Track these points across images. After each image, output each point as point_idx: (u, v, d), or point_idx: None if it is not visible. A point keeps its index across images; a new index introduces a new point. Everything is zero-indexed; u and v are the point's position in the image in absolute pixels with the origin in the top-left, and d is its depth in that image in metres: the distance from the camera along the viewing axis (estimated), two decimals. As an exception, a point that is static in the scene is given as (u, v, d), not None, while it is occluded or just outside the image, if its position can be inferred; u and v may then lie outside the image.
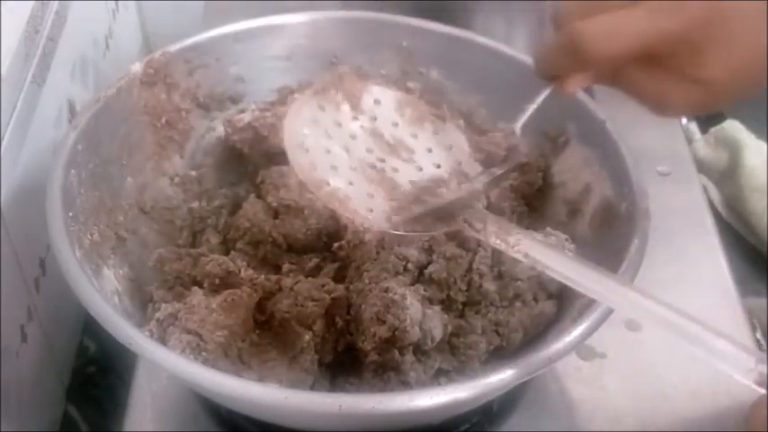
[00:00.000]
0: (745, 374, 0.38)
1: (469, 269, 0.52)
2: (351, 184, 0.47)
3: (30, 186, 0.56)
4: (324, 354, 0.50)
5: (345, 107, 0.50)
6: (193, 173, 0.60)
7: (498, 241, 0.46)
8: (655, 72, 0.43)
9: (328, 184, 0.47)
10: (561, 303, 0.52)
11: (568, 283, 0.44)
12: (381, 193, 0.48)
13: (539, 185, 0.58)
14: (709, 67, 0.42)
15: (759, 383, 0.38)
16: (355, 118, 0.50)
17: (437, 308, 0.51)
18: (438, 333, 0.50)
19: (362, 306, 0.50)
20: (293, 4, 0.63)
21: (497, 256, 0.54)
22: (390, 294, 0.49)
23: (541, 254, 0.45)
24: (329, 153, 0.48)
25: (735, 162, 0.77)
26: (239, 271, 0.51)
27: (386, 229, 0.47)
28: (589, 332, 0.44)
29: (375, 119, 0.51)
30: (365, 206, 0.47)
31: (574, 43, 0.42)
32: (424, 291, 0.52)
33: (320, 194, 0.47)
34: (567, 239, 0.53)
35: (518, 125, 0.51)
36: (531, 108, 0.50)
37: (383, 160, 0.49)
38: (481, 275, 0.52)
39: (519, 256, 0.45)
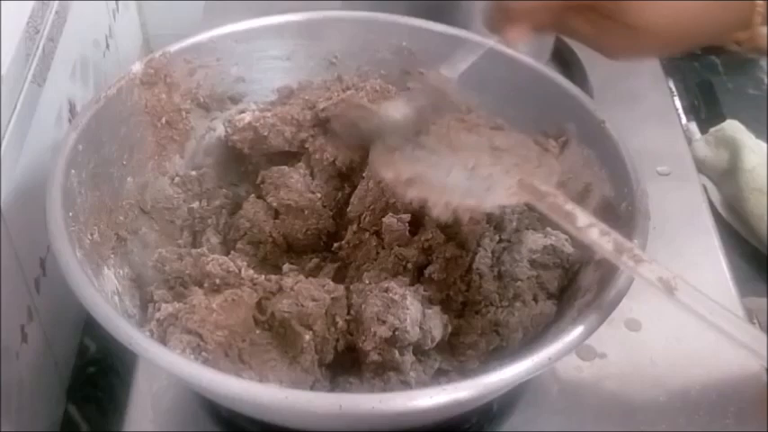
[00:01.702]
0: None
1: (469, 269, 0.53)
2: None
3: (30, 186, 0.56)
4: (324, 354, 0.50)
5: None
6: (193, 173, 0.60)
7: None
8: (592, 19, 0.47)
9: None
10: (561, 303, 0.52)
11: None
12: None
13: (539, 185, 0.58)
14: (640, 14, 0.46)
15: None
16: None
17: (437, 308, 0.51)
18: (438, 333, 0.50)
19: (362, 306, 0.50)
20: (293, 4, 0.63)
21: (497, 256, 0.54)
22: (390, 294, 0.49)
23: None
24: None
25: (735, 162, 0.77)
26: (239, 271, 0.51)
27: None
28: (589, 332, 0.44)
29: None
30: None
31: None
32: (424, 291, 0.52)
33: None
34: (566, 239, 0.53)
35: (456, 73, 0.53)
36: (472, 58, 0.53)
37: None
38: (481, 275, 0.52)
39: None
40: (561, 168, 0.53)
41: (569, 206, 0.48)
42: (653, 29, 0.46)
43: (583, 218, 0.47)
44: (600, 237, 0.46)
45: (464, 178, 0.49)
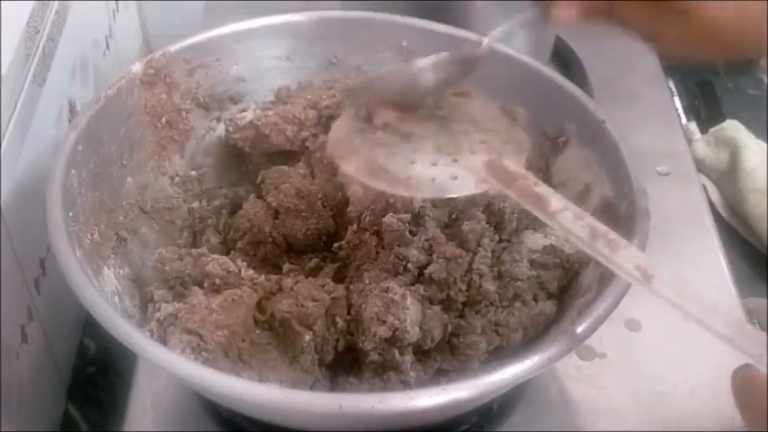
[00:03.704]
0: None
1: (469, 269, 0.53)
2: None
3: (30, 186, 0.56)
4: (324, 354, 0.50)
5: None
6: (194, 173, 0.60)
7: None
8: (647, 5, 0.45)
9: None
10: (561, 303, 0.52)
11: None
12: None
13: (539, 185, 0.58)
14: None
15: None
16: None
17: (437, 308, 0.51)
18: (438, 333, 0.50)
19: (362, 306, 0.50)
20: (293, 4, 0.63)
21: (497, 256, 0.54)
22: (390, 294, 0.49)
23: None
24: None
25: (735, 162, 0.77)
26: (239, 271, 0.51)
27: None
28: (589, 332, 0.44)
29: None
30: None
31: None
32: (424, 291, 0.52)
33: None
34: (566, 239, 0.53)
35: (488, 39, 0.50)
36: (510, 24, 0.50)
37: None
38: (481, 275, 0.52)
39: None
40: (529, 143, 0.51)
41: (541, 189, 0.45)
42: (710, 18, 0.44)
43: (555, 201, 0.45)
44: (573, 221, 0.44)
45: (428, 165, 0.47)
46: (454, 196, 0.49)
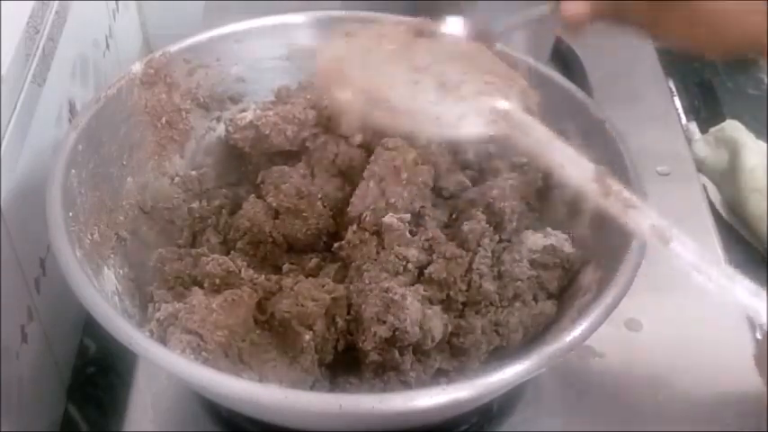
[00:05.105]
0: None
1: (469, 269, 0.53)
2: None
3: (30, 186, 0.56)
4: (324, 354, 0.50)
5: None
6: (194, 173, 0.60)
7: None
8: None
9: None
10: (561, 303, 0.52)
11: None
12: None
13: (539, 185, 0.58)
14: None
15: None
16: None
17: (437, 308, 0.51)
18: (438, 333, 0.50)
19: (362, 306, 0.50)
20: (293, 4, 0.63)
21: (497, 256, 0.54)
22: (390, 294, 0.49)
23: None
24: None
25: (735, 162, 0.77)
26: (239, 271, 0.51)
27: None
28: (589, 332, 0.44)
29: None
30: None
31: None
32: (424, 291, 0.52)
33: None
34: (566, 239, 0.53)
35: (501, 28, 0.50)
36: (523, 17, 0.50)
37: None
38: (481, 275, 0.52)
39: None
40: (534, 92, 0.49)
41: (548, 136, 0.44)
42: (709, 11, 0.44)
43: (567, 151, 0.44)
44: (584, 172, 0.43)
45: (432, 101, 0.44)
46: (462, 136, 0.46)
